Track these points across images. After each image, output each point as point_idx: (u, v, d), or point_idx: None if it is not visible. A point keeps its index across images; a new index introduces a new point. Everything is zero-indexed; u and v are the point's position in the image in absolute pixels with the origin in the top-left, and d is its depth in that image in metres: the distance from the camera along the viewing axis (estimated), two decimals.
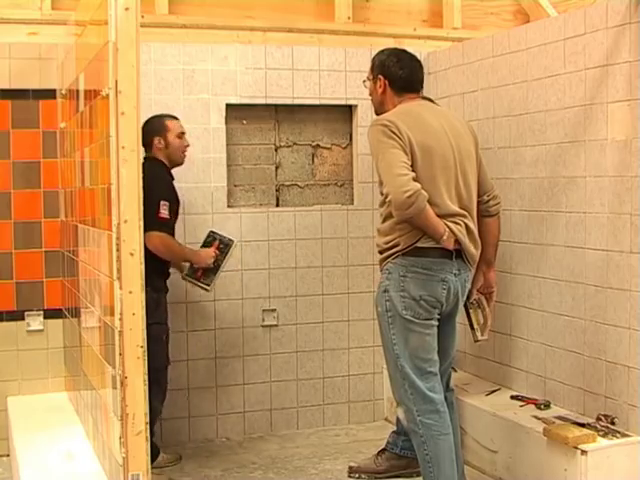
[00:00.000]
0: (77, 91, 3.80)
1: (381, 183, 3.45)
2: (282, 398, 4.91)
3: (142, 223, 2.95)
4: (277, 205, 4.95)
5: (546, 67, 4.06)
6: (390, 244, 3.52)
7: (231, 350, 4.80)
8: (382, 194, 3.45)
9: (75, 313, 4.08)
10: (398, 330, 3.50)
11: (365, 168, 4.93)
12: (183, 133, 4.27)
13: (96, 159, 3.32)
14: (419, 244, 3.45)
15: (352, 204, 5.04)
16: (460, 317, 3.78)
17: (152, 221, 3.77)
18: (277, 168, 4.97)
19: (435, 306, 3.50)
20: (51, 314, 4.54)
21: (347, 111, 5.05)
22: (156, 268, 3.93)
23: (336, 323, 4.98)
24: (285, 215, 4.89)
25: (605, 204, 3.74)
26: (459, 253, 3.54)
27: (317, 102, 4.91)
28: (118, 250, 2.92)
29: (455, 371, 4.36)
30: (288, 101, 4.87)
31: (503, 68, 4.36)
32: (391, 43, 4.63)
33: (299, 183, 5.00)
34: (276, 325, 4.88)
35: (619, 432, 3.62)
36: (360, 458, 4.37)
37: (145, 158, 4.01)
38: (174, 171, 4.32)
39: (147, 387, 2.95)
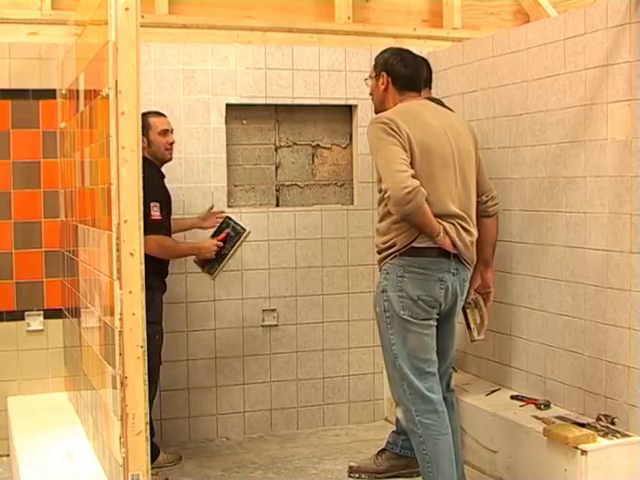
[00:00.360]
0: (77, 91, 3.80)
1: (380, 180, 3.45)
2: (282, 398, 4.92)
3: (142, 223, 2.95)
4: (277, 205, 4.95)
5: (546, 67, 4.06)
6: (387, 244, 3.52)
7: (231, 350, 4.80)
8: (380, 192, 3.45)
9: (75, 313, 4.08)
10: (396, 330, 3.50)
11: (365, 168, 4.93)
12: (167, 130, 4.24)
13: (96, 159, 3.32)
14: (415, 244, 3.45)
15: (352, 204, 5.04)
16: (459, 317, 3.78)
17: (145, 225, 3.76)
18: (277, 168, 4.97)
19: (433, 306, 3.50)
20: (51, 314, 4.54)
21: (347, 111, 5.05)
22: (152, 267, 3.91)
23: (336, 323, 4.99)
24: (285, 215, 4.89)
25: (605, 204, 3.74)
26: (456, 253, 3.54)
27: (317, 102, 4.91)
28: (118, 250, 2.92)
29: (455, 371, 4.36)
30: (288, 101, 4.87)
31: (503, 68, 4.36)
32: (391, 43, 4.63)
33: (299, 183, 5.00)
34: (276, 325, 4.88)
35: (619, 432, 3.62)
36: (360, 458, 4.37)
37: None
38: (173, 170, 4.33)
39: (147, 387, 2.95)
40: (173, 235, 4.36)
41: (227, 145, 4.78)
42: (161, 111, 4.28)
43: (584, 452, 3.48)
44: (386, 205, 3.45)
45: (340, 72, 4.93)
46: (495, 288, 3.96)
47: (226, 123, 4.76)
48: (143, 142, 4.04)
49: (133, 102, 2.90)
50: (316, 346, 4.96)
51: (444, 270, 3.50)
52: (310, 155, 5.03)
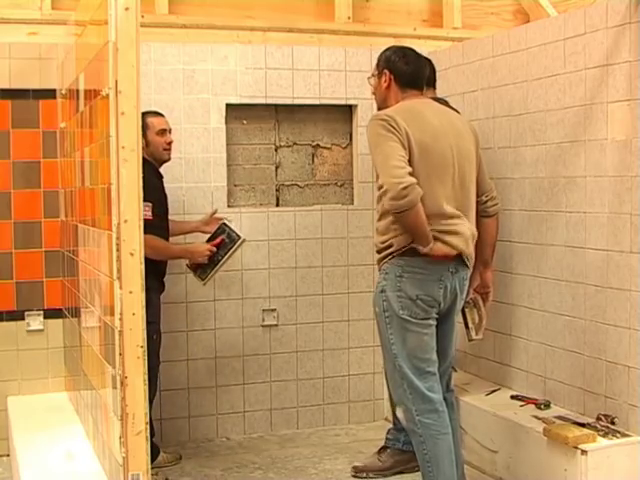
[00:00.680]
0: (77, 91, 3.80)
1: (378, 177, 3.45)
2: (282, 398, 4.92)
3: (142, 223, 2.95)
4: (277, 205, 4.95)
5: (546, 67, 4.06)
6: (386, 244, 3.53)
7: (231, 350, 4.80)
8: (380, 189, 3.44)
9: (75, 313, 4.08)
10: (396, 330, 3.50)
11: (365, 168, 4.93)
12: (165, 130, 4.23)
13: (96, 159, 3.32)
14: (414, 244, 3.45)
15: (352, 204, 5.04)
16: (459, 316, 3.78)
17: None
18: (277, 168, 4.97)
19: (432, 305, 3.50)
20: (51, 314, 4.54)
21: (347, 111, 5.05)
22: (149, 267, 3.90)
23: (336, 323, 4.99)
24: (285, 215, 4.89)
25: (605, 204, 3.74)
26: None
27: (317, 102, 4.92)
28: (118, 250, 2.91)
29: (455, 371, 4.36)
30: (288, 101, 4.87)
31: (503, 68, 4.36)
32: (391, 43, 4.61)
33: (299, 183, 5.00)
34: (276, 325, 4.88)
35: (619, 432, 3.62)
36: (360, 458, 4.37)
37: None
38: (173, 170, 4.33)
39: (147, 387, 2.95)
40: (175, 237, 4.36)
41: (227, 145, 4.78)
42: (160, 111, 4.28)
43: (584, 452, 3.48)
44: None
45: (340, 72, 4.93)
46: (494, 288, 3.96)
47: (226, 123, 4.76)
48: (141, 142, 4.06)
49: (133, 102, 2.90)
50: (316, 346, 4.96)
51: (443, 269, 3.50)
52: (310, 155, 5.03)
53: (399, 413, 3.66)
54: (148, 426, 2.95)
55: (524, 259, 4.27)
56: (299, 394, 4.96)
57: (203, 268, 4.27)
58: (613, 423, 3.67)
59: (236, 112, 4.83)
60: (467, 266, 3.61)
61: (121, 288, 2.92)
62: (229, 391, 4.82)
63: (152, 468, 3.10)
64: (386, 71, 3.64)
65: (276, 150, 4.97)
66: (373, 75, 3.73)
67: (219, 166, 4.74)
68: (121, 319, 2.93)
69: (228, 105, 4.75)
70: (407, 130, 3.40)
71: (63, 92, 4.31)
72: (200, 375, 4.75)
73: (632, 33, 3.55)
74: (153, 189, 4.08)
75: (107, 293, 3.10)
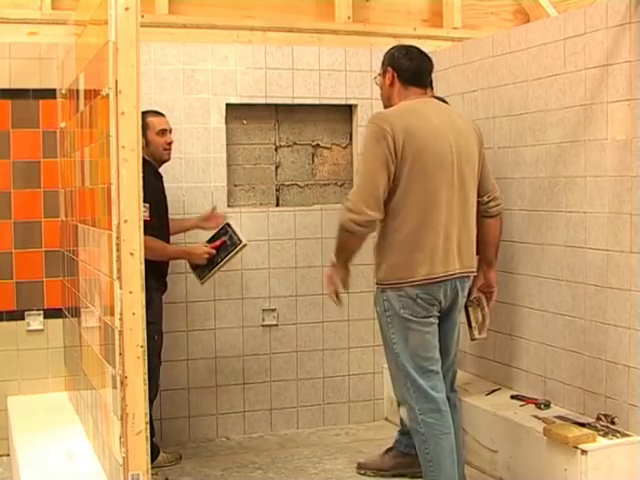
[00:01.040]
0: (77, 91, 3.80)
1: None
2: (282, 398, 4.92)
3: (142, 223, 2.95)
4: (277, 205, 4.95)
5: (546, 67, 4.06)
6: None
7: (231, 350, 4.80)
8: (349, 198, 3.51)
9: (75, 313, 4.08)
10: (397, 329, 3.50)
11: None
12: (165, 130, 4.22)
13: (96, 159, 3.32)
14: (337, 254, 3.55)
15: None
16: (461, 315, 3.79)
17: None
18: (277, 168, 4.97)
19: (433, 304, 3.50)
20: (51, 314, 4.54)
21: (347, 111, 5.05)
22: (150, 267, 3.89)
23: (336, 323, 4.98)
24: (285, 215, 4.89)
25: (605, 204, 3.74)
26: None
27: (317, 102, 4.92)
28: (118, 250, 2.91)
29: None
30: (288, 101, 4.87)
31: (503, 68, 4.36)
32: (391, 43, 4.61)
33: (299, 183, 5.00)
34: (276, 325, 4.88)
35: (619, 432, 3.62)
36: (360, 458, 4.38)
37: None
38: (173, 170, 4.32)
39: (147, 387, 2.95)
40: (174, 235, 4.35)
41: (227, 145, 4.78)
42: (160, 110, 4.28)
43: (584, 452, 3.47)
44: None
45: (340, 72, 4.93)
46: (498, 287, 3.96)
47: (226, 123, 4.76)
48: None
49: (133, 102, 2.90)
50: (316, 346, 4.96)
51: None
52: (310, 155, 5.03)
53: (402, 412, 3.66)
54: (148, 426, 2.95)
55: (524, 259, 4.27)
56: (299, 394, 4.96)
57: (202, 268, 4.26)
58: (613, 423, 3.67)
59: (236, 112, 4.83)
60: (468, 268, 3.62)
61: (121, 288, 2.92)
62: (229, 391, 4.82)
63: (152, 468, 3.10)
64: (389, 68, 3.64)
65: (276, 150, 4.97)
66: (379, 75, 3.73)
67: (219, 166, 4.74)
68: (121, 319, 2.93)
69: (228, 105, 4.75)
70: (401, 136, 3.41)
71: (63, 92, 4.31)
72: (200, 375, 4.75)
73: (632, 33, 3.55)
74: (152, 190, 4.06)
75: (107, 293, 3.10)
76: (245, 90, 4.77)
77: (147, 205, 3.96)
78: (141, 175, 2.93)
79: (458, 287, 3.56)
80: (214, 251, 4.21)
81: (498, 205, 3.81)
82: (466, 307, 3.88)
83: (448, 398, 3.61)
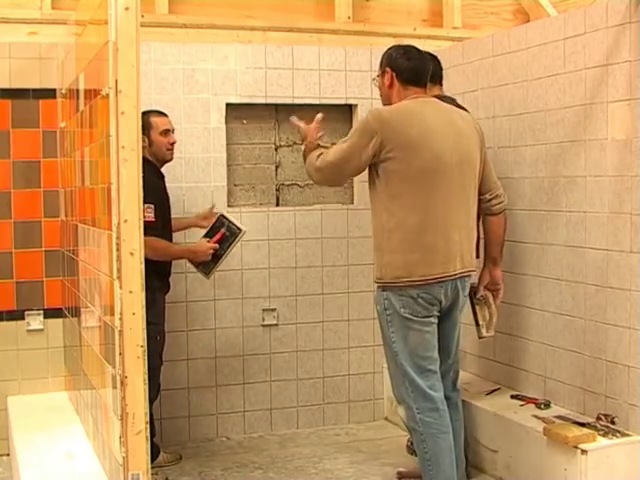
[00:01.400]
0: (77, 90, 3.80)
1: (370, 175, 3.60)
2: (282, 397, 4.91)
3: (142, 223, 2.95)
4: (277, 205, 4.95)
5: (546, 67, 4.06)
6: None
7: (231, 349, 4.80)
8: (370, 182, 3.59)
9: (75, 313, 4.08)
10: (397, 328, 3.51)
11: None
12: (168, 130, 4.22)
13: (96, 159, 3.32)
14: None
15: (352, 204, 5.04)
16: (463, 316, 3.78)
17: None
18: (277, 167, 4.97)
19: (433, 303, 3.50)
20: (51, 314, 4.54)
21: (347, 111, 5.05)
22: (152, 267, 3.90)
23: (336, 323, 4.98)
24: (285, 215, 4.89)
25: (605, 204, 3.74)
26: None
27: (317, 102, 4.91)
28: (118, 250, 2.91)
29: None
30: (288, 100, 4.87)
31: (503, 68, 4.36)
32: (391, 43, 4.61)
33: (299, 182, 5.00)
34: (276, 325, 4.88)
35: (619, 431, 3.62)
36: (360, 457, 4.38)
37: None
38: (173, 170, 4.32)
39: (147, 386, 2.95)
40: (174, 234, 4.35)
41: (227, 144, 4.78)
42: (163, 111, 4.28)
43: (584, 452, 3.48)
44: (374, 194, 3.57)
45: (340, 72, 4.93)
46: (504, 285, 3.96)
47: (226, 122, 4.76)
48: (144, 142, 3.99)
49: (133, 102, 2.90)
50: (316, 345, 4.96)
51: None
52: None
53: (400, 411, 3.66)
54: (148, 426, 2.95)
55: (524, 259, 4.27)
56: (299, 394, 4.96)
57: (206, 263, 4.24)
58: (613, 423, 3.67)
59: (236, 112, 4.83)
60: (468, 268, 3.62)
61: (121, 288, 2.92)
62: (229, 391, 4.82)
63: (152, 468, 3.10)
64: (388, 69, 3.64)
65: (276, 150, 4.97)
66: (377, 76, 3.74)
67: (219, 166, 4.74)
68: (121, 319, 2.93)
69: (228, 105, 4.75)
70: (389, 138, 3.46)
71: (63, 92, 4.31)
72: (200, 375, 4.75)
73: (632, 33, 3.55)
74: (155, 190, 4.07)
75: (107, 293, 3.10)
76: (245, 90, 4.77)
77: (152, 206, 3.96)
78: (141, 175, 2.93)
79: (459, 287, 3.57)
80: (217, 246, 4.20)
81: (501, 203, 3.81)
82: (473, 306, 3.89)
83: (449, 397, 3.61)
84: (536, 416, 3.91)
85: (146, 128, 4.00)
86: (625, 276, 3.65)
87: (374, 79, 3.80)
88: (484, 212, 3.75)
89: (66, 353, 4.52)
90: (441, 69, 4.29)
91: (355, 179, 5.02)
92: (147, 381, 2.94)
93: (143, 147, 4.07)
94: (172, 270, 4.31)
